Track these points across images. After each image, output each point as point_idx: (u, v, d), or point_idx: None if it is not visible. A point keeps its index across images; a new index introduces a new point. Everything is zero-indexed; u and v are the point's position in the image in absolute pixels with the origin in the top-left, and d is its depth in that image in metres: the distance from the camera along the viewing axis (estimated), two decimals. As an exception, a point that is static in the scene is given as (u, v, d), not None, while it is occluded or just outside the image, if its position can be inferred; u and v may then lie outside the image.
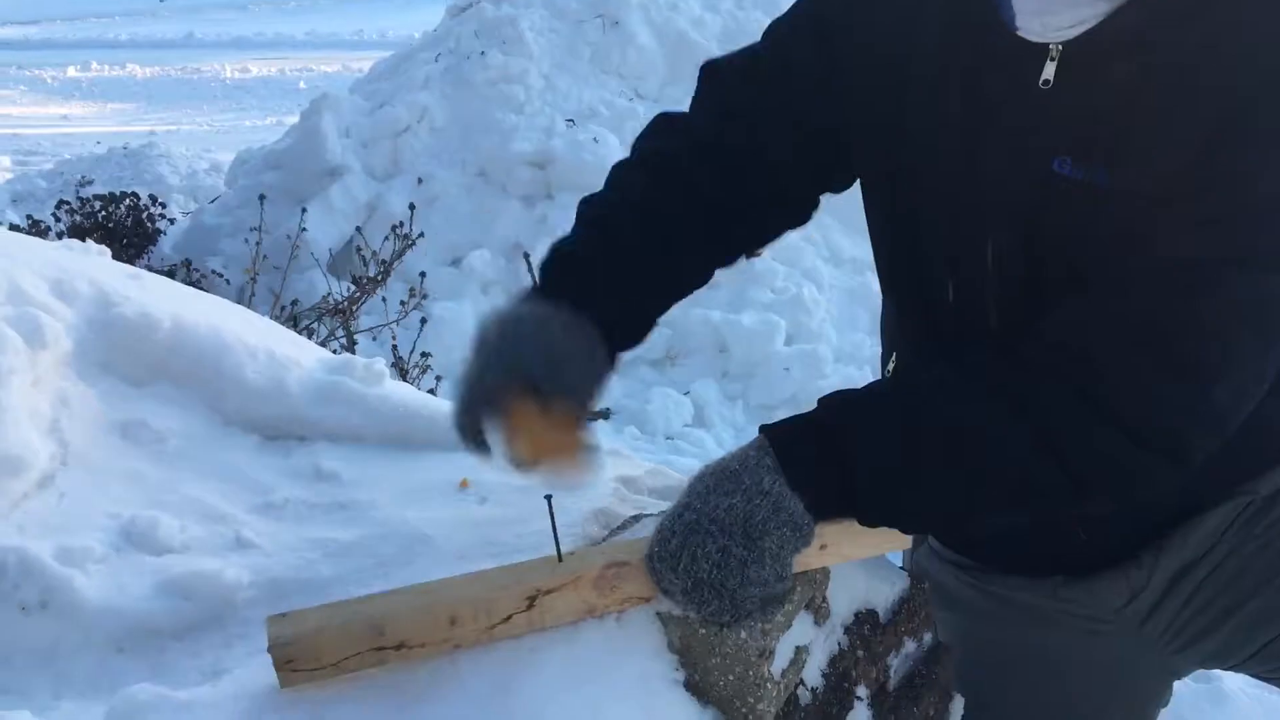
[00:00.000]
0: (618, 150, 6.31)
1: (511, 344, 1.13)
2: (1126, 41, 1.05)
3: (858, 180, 1.39)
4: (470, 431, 1.14)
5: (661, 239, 1.26)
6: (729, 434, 5.09)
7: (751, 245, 1.39)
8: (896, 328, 1.43)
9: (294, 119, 8.35)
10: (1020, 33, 1.10)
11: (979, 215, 1.17)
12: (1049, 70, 1.09)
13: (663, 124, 1.36)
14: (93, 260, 1.88)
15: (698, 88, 1.36)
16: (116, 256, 1.99)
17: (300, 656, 1.05)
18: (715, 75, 1.36)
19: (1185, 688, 2.75)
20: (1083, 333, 1.07)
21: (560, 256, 1.25)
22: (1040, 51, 1.09)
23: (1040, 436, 1.05)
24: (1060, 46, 1.08)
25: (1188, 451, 1.07)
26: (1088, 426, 1.04)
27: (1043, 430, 1.05)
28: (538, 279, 1.23)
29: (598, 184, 1.31)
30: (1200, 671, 1.63)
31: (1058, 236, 1.12)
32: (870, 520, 1.11)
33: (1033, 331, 1.11)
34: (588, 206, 1.30)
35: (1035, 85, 1.10)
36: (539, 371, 1.11)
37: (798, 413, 1.13)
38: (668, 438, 5.03)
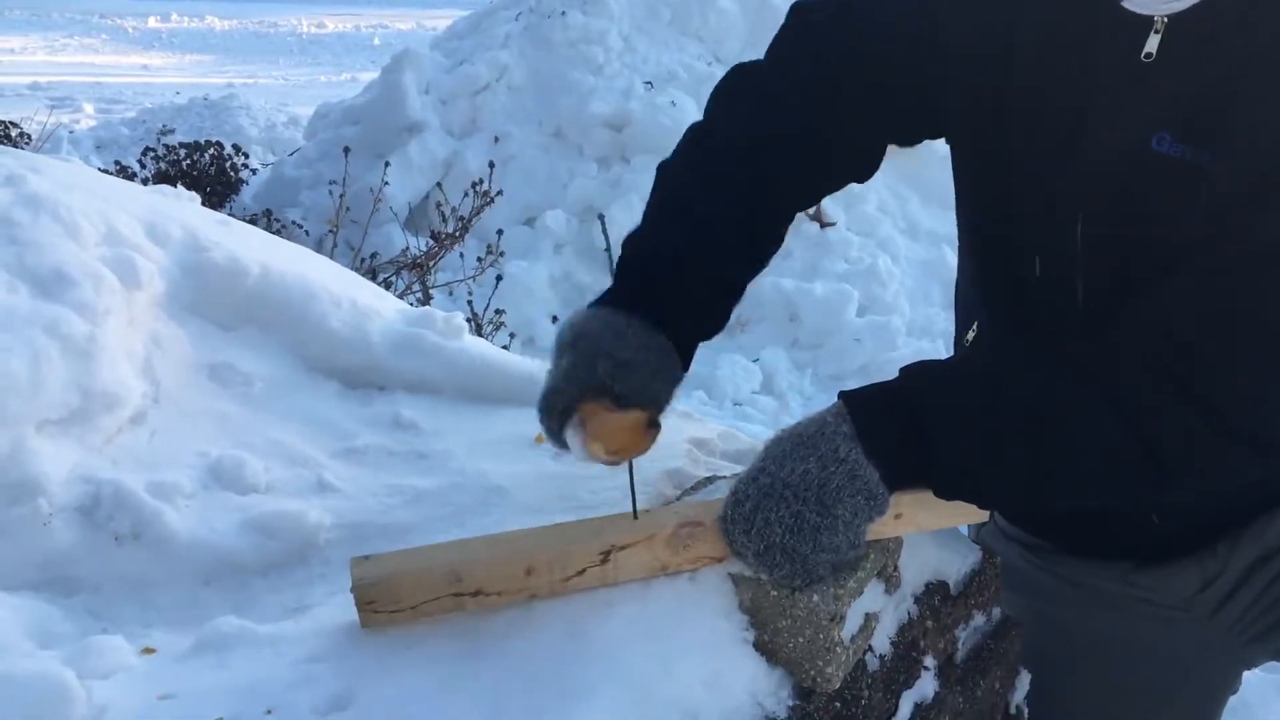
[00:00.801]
0: (695, 115, 6.24)
1: (585, 355, 1.15)
2: (1232, 18, 1.03)
3: (924, 144, 1.37)
4: (554, 433, 1.17)
5: (732, 236, 1.24)
6: (797, 402, 5.08)
7: (814, 199, 1.39)
8: (978, 299, 1.41)
9: (369, 75, 8.42)
10: (1125, 3, 1.08)
11: (1072, 190, 1.16)
12: (1152, 43, 1.07)
13: (736, 82, 1.35)
14: (184, 205, 1.92)
15: (782, 28, 1.34)
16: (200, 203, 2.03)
17: (381, 598, 1.08)
18: (802, 16, 1.34)
19: (1253, 677, 2.71)
20: (1176, 318, 1.05)
21: (635, 260, 1.24)
22: (1144, 24, 1.08)
23: (1128, 422, 1.03)
24: (1165, 19, 1.06)
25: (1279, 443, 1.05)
26: (1178, 414, 1.02)
27: (1131, 416, 1.03)
28: (614, 280, 1.24)
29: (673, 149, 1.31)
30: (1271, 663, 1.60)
31: (1152, 215, 1.10)
32: (946, 493, 1.10)
33: (1124, 314, 1.09)
34: (664, 187, 1.29)
35: (1137, 58, 1.08)
36: (611, 381, 1.13)
37: (876, 381, 1.13)
38: (735, 404, 5.03)
